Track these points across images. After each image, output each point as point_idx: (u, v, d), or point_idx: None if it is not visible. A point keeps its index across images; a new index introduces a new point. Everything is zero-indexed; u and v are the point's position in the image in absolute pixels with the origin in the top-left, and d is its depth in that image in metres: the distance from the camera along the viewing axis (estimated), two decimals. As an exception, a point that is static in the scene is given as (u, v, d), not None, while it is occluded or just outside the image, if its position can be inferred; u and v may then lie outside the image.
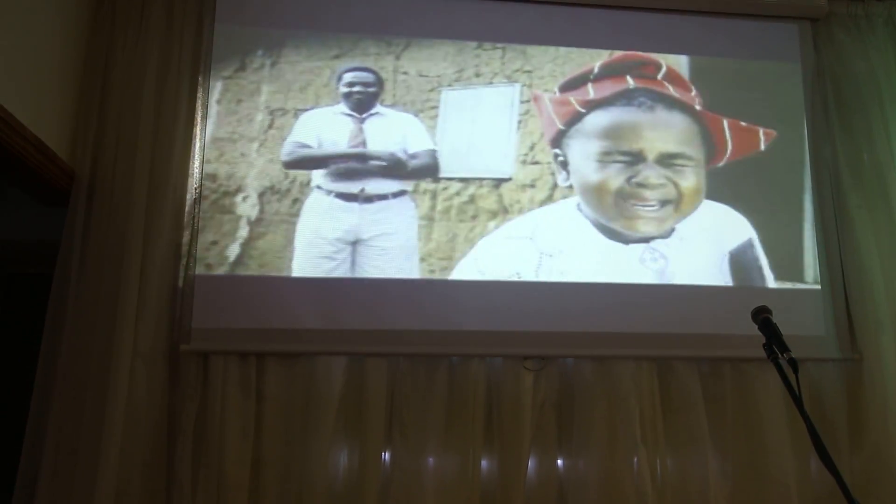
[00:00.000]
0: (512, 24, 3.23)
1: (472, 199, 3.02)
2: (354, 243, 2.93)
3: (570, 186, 3.09)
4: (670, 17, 3.32)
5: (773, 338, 1.94)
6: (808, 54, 3.38)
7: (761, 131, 3.26)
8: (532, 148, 3.10)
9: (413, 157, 3.04)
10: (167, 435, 2.68)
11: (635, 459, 2.80)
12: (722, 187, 3.18)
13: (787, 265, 3.14)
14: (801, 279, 3.14)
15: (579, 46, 3.25)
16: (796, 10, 3.37)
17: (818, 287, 3.14)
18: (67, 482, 2.52)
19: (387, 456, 2.75)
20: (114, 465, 2.51)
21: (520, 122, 3.12)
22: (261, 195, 2.93)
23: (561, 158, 3.11)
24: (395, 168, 3.03)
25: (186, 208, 2.89)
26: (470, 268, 2.96)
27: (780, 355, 1.91)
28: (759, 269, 3.12)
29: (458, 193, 3.01)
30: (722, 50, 3.33)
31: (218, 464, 2.63)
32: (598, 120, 3.17)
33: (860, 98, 3.28)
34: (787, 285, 3.12)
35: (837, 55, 3.36)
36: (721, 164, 3.21)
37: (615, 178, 3.12)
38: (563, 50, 3.23)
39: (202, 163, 2.93)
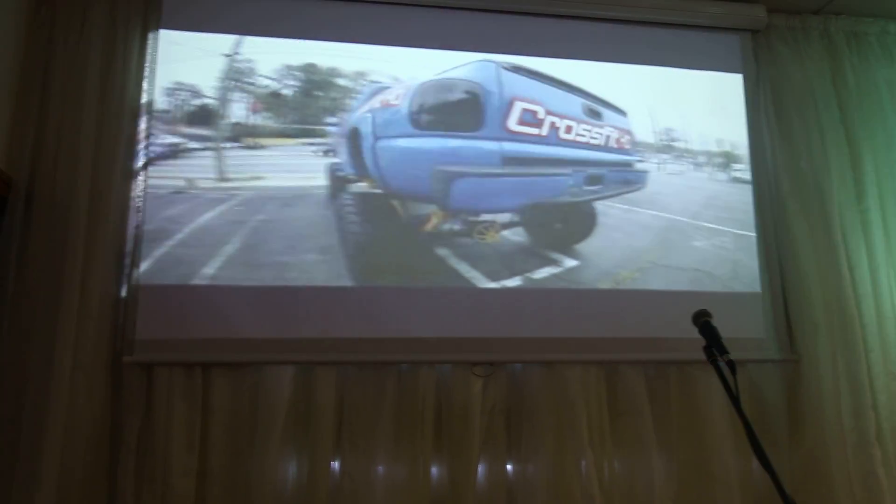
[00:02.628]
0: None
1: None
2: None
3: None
4: (616, 27, 3.37)
5: (712, 341, 1.99)
6: (749, 65, 3.48)
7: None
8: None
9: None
10: (109, 449, 2.62)
11: (583, 462, 2.84)
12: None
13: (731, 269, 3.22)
14: (744, 283, 3.22)
15: (529, 55, 3.27)
16: (738, 21, 3.45)
17: (759, 291, 3.22)
18: (4, 498, 2.45)
19: (336, 465, 2.74)
20: (53, 480, 2.45)
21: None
22: (206, 202, 2.89)
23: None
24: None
25: (130, 216, 2.83)
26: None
27: (719, 357, 1.95)
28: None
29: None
30: (667, 60, 3.39)
31: (162, 477, 2.58)
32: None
33: (798, 107, 3.38)
34: (731, 289, 3.19)
35: (776, 66, 3.46)
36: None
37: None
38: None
39: (147, 171, 2.87)
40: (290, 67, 3.07)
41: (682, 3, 3.39)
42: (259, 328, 2.79)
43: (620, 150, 3.27)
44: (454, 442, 2.80)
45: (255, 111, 3.01)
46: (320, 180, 3.00)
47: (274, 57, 3.07)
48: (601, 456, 2.88)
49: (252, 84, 3.04)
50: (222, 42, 3.04)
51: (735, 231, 3.27)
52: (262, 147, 3.00)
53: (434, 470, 2.80)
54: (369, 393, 2.81)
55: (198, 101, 2.98)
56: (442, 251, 3.01)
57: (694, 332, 2.07)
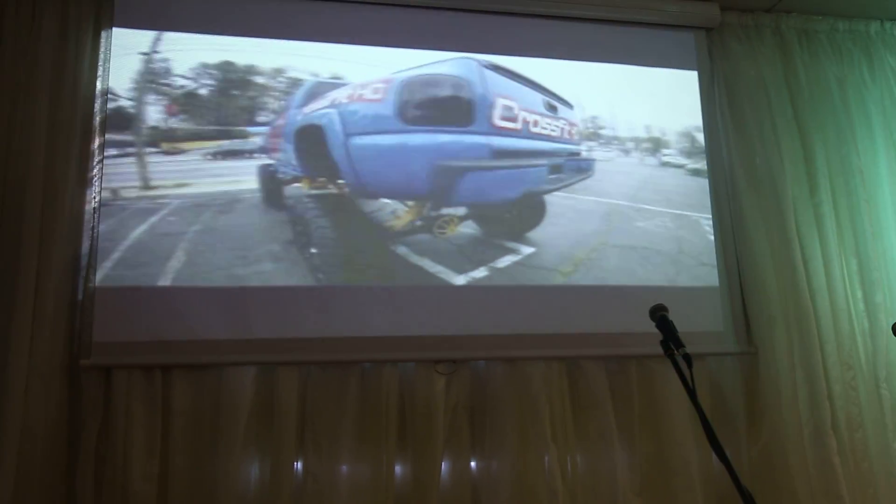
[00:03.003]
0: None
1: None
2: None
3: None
4: (572, 25, 3.40)
5: (669, 335, 2.01)
6: (703, 62, 3.53)
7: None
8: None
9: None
10: (67, 454, 2.58)
11: (546, 457, 2.86)
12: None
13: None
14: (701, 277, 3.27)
15: (478, 53, 3.27)
16: (692, 19, 3.50)
17: (717, 285, 3.27)
18: (-41, 506, 2.40)
19: (299, 465, 2.73)
20: (10, 486, 2.41)
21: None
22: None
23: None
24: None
25: (85, 218, 2.79)
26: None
27: (675, 351, 1.98)
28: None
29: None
30: (623, 57, 3.43)
31: (122, 482, 2.55)
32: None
33: (752, 104, 3.44)
34: (689, 283, 3.24)
35: (730, 63, 3.52)
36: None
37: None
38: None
39: (101, 172, 2.83)
40: (206, 66, 3.01)
41: (637, 0, 3.42)
42: (219, 329, 2.76)
43: (571, 141, 3.30)
44: (418, 440, 2.81)
45: (171, 114, 2.96)
46: (251, 183, 2.95)
47: (191, 55, 3.00)
48: (564, 451, 2.91)
49: (168, 85, 2.98)
50: (141, 39, 2.97)
51: (673, 211, 3.33)
52: (182, 152, 2.94)
53: (398, 468, 2.80)
54: (332, 393, 2.80)
55: (113, 105, 2.90)
56: (401, 249, 3.00)
57: (654, 327, 2.09)
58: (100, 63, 2.92)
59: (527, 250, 3.12)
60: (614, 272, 3.16)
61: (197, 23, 3.04)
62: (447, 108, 3.17)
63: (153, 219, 2.82)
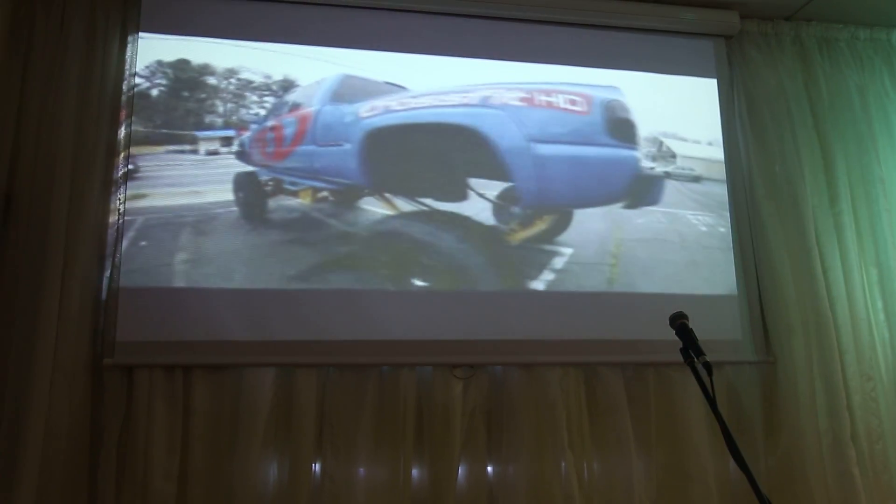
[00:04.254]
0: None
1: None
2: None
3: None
4: (591, 32, 3.41)
5: (688, 342, 2.01)
6: (722, 70, 3.53)
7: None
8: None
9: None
10: (90, 452, 2.61)
11: (563, 463, 2.86)
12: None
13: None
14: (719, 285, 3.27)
15: (500, 59, 3.30)
16: (711, 27, 3.51)
17: (735, 293, 3.26)
18: (-17, 502, 2.43)
19: (317, 467, 2.74)
20: (33, 483, 2.43)
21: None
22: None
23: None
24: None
25: (111, 219, 2.83)
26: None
27: (695, 359, 1.98)
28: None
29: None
30: (643, 65, 3.44)
31: (143, 480, 2.57)
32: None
33: (771, 111, 3.43)
34: (707, 291, 3.23)
35: (750, 71, 3.52)
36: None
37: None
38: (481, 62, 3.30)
39: (126, 173, 2.87)
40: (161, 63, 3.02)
41: (657, 8, 3.43)
42: (240, 331, 2.79)
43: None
44: (435, 444, 2.82)
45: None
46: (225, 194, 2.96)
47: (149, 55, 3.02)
48: (581, 457, 2.90)
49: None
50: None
51: (692, 219, 3.34)
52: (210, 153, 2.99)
53: (415, 472, 2.81)
54: (350, 395, 2.82)
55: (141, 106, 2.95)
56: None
57: (672, 335, 2.09)
58: (126, 68, 2.97)
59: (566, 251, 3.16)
60: (632, 279, 3.16)
61: (234, 29, 3.09)
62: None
63: (179, 221, 2.86)
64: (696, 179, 3.37)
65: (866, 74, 3.60)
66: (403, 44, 3.22)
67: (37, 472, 2.45)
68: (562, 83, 3.32)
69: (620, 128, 3.32)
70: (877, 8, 3.53)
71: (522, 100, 3.25)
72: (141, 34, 2.99)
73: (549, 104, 3.27)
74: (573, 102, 3.29)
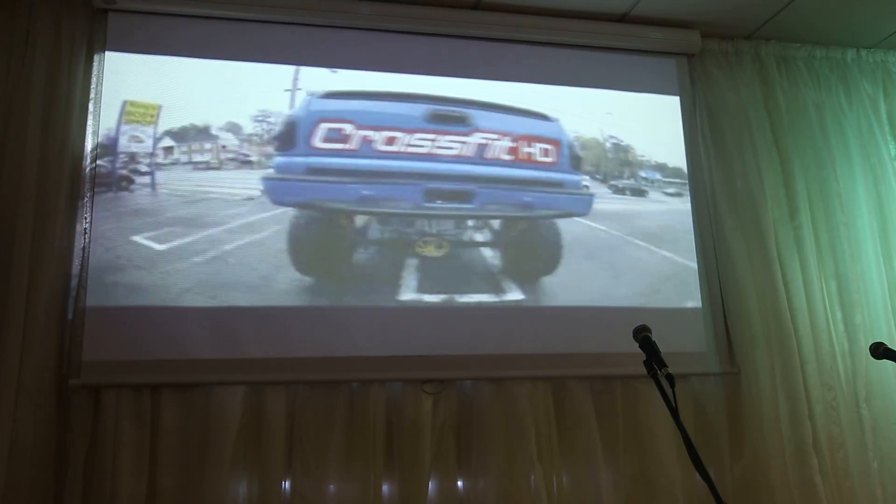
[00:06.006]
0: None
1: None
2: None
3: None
4: (558, 50, 3.46)
5: (651, 355, 2.05)
6: (685, 88, 3.60)
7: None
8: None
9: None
10: (55, 473, 2.58)
11: (532, 476, 2.88)
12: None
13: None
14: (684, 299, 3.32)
15: (463, 77, 3.33)
16: (674, 46, 3.58)
17: (699, 306, 3.32)
18: (-54, 527, 2.40)
19: (287, 485, 2.74)
20: (-3, 506, 2.40)
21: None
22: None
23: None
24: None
25: (76, 238, 2.81)
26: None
27: (658, 371, 2.01)
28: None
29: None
30: (607, 83, 3.49)
31: (110, 501, 2.55)
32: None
33: (732, 128, 3.51)
34: (673, 304, 3.29)
35: (711, 88, 3.60)
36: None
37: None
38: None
39: (93, 192, 2.86)
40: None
41: (622, 28, 3.51)
42: (208, 349, 2.78)
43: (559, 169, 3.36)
44: (405, 459, 2.83)
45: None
46: (244, 203, 3.00)
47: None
48: (550, 470, 2.93)
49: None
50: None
51: (656, 233, 3.38)
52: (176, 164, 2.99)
53: (385, 488, 2.81)
54: (320, 412, 2.82)
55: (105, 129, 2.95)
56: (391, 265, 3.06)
57: (637, 348, 2.13)
58: (92, 87, 2.96)
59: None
60: (599, 293, 3.20)
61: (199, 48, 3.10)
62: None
63: (144, 238, 2.85)
64: (660, 193, 3.43)
65: (823, 92, 3.70)
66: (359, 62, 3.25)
67: (1, 495, 2.42)
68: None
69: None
70: (832, 28, 3.63)
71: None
72: (107, 53, 2.99)
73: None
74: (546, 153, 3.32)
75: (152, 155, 2.96)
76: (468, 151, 3.25)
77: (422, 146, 3.21)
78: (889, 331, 3.35)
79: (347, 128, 3.16)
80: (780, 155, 3.52)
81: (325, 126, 3.15)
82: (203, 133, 3.03)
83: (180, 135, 3.00)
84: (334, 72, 3.20)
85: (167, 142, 2.98)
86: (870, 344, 2.60)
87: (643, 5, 3.38)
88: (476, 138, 3.27)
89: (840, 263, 3.42)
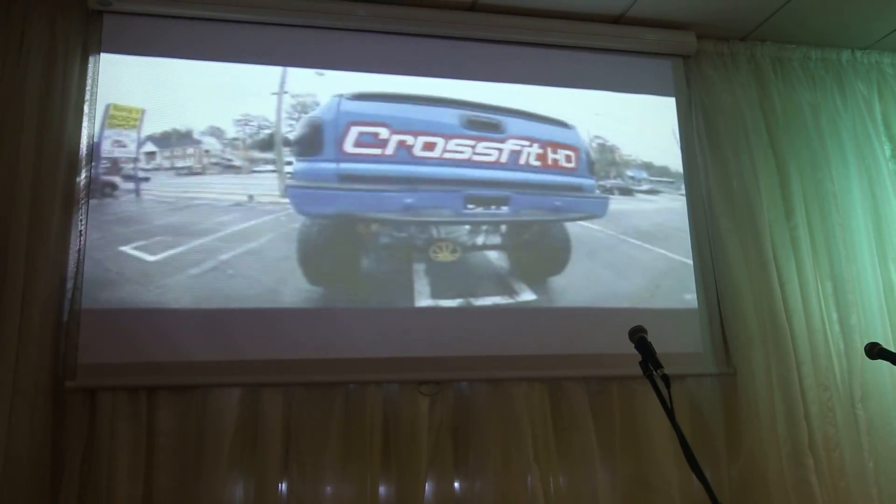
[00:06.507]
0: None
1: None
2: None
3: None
4: (553, 52, 3.46)
5: (647, 356, 2.05)
6: (681, 89, 3.61)
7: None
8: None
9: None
10: (51, 475, 2.57)
11: (529, 477, 2.88)
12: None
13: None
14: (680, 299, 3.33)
15: (460, 78, 3.33)
16: (669, 47, 3.59)
17: (696, 307, 3.33)
18: (-59, 530, 2.39)
19: (283, 487, 2.73)
20: (-7, 510, 2.40)
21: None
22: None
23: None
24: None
25: (72, 240, 2.80)
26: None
27: (654, 372, 2.01)
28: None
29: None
30: (605, 84, 3.50)
31: (106, 503, 2.54)
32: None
33: (728, 129, 3.52)
34: (669, 305, 3.29)
35: (707, 90, 3.60)
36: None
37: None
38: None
39: (87, 194, 2.85)
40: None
41: (619, 29, 3.51)
42: (204, 351, 2.78)
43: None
44: (402, 461, 2.82)
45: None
46: (239, 207, 2.98)
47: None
48: (546, 471, 2.93)
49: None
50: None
51: (652, 234, 3.38)
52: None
53: (382, 489, 2.81)
54: (316, 414, 2.81)
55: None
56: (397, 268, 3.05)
57: (634, 348, 2.13)
58: (87, 88, 2.95)
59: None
60: (595, 294, 3.21)
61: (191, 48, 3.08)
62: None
63: (141, 241, 2.84)
64: (656, 194, 3.43)
65: (818, 93, 3.71)
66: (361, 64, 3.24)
67: (-3, 499, 2.42)
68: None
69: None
70: (827, 30, 3.64)
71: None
72: (102, 54, 2.98)
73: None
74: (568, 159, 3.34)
75: (136, 160, 2.93)
76: (503, 158, 3.25)
77: (461, 152, 3.19)
78: (884, 331, 3.36)
79: (383, 132, 3.12)
80: (776, 156, 3.53)
81: (356, 130, 3.10)
82: (186, 137, 2.99)
83: (163, 140, 2.97)
84: (321, 74, 3.18)
85: (149, 146, 2.96)
86: (865, 344, 2.62)
87: (639, 7, 3.39)
88: (510, 145, 3.27)
89: (836, 264, 3.42)
